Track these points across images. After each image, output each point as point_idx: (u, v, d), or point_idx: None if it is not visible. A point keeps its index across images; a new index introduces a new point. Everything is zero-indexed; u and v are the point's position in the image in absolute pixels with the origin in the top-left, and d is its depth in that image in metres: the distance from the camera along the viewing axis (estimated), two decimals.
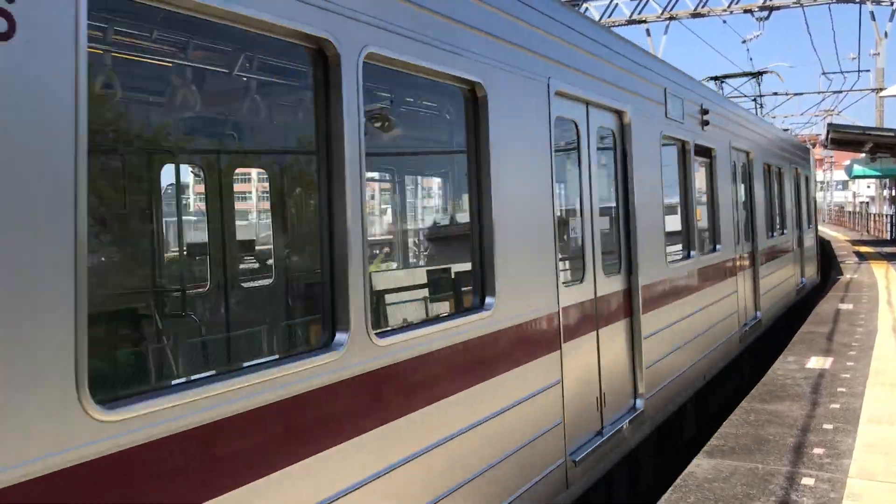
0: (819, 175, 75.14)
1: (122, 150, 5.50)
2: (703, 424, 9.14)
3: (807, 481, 5.43)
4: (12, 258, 2.18)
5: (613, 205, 6.95)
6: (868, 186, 70.94)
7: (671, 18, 23.54)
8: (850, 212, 73.87)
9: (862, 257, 27.10)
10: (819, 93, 45.49)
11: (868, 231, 51.45)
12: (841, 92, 44.28)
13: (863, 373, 8.78)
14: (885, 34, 21.55)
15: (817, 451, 6.10)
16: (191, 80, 5.16)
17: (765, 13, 23.03)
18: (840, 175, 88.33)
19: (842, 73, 43.21)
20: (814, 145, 77.13)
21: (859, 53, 35.62)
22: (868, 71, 47.80)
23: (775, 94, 45.15)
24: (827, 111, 58.10)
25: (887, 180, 46.83)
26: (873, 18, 21.96)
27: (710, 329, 9.46)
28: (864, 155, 33.38)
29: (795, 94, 45.76)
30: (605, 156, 6.83)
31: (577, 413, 5.71)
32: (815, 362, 9.54)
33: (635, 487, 7.04)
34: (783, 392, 8.08)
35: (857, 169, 35.18)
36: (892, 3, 21.13)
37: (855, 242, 37.96)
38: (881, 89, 42.61)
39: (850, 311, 13.83)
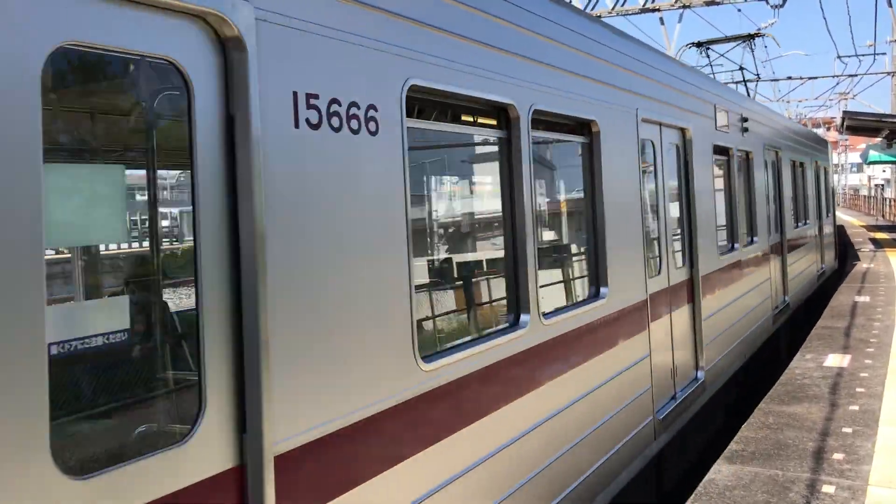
0: (834, 158, 74.44)
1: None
2: (747, 391, 10.81)
3: (827, 489, 5.49)
4: None
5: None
6: (884, 171, 70.34)
7: (685, 7, 23.37)
8: (865, 195, 73.28)
9: (878, 244, 26.96)
10: (834, 76, 45.06)
11: (883, 216, 51.09)
12: (856, 76, 43.87)
13: (881, 372, 8.80)
14: None
15: (837, 456, 6.15)
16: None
17: (780, 0, 22.81)
18: (855, 157, 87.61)
19: (857, 56, 42.65)
20: (828, 128, 76.78)
21: (875, 39, 35.24)
22: (884, 54, 47.38)
23: (790, 78, 44.78)
24: (842, 94, 57.66)
25: None
26: (890, 4, 21.72)
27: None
28: (879, 140, 33.11)
29: (810, 79, 45.32)
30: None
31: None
32: (833, 360, 9.57)
33: (697, 443, 8.52)
34: (801, 393, 8.12)
35: (873, 154, 34.90)
36: None
37: (870, 228, 37.73)
38: None
39: (866, 303, 13.81)
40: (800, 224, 16.04)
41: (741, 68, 18.42)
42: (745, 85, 19.06)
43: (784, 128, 15.31)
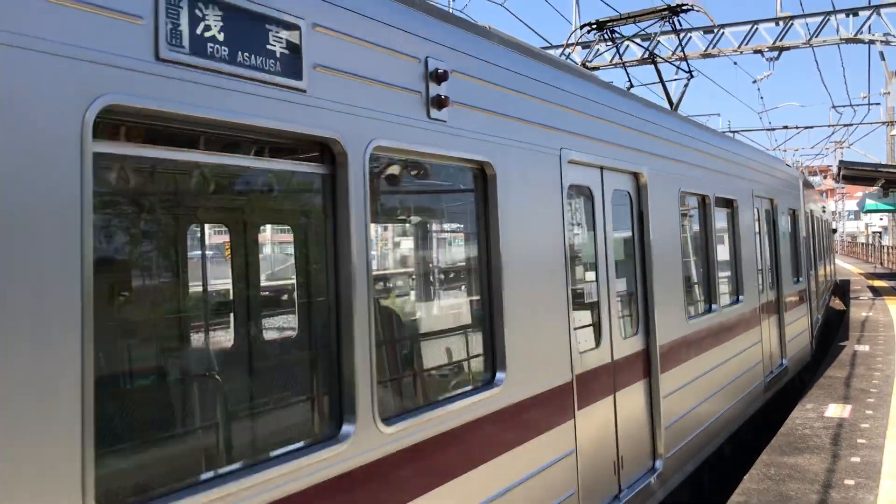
0: (831, 205, 74.90)
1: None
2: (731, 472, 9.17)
3: None
4: None
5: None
6: (881, 218, 70.73)
7: (682, 59, 23.83)
8: (863, 243, 73.59)
9: (876, 292, 27.05)
10: (829, 126, 45.70)
11: (882, 263, 51.25)
12: (851, 125, 44.50)
13: (882, 423, 8.84)
14: (895, 74, 21.71)
15: None
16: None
17: (775, 53, 23.29)
18: (852, 205, 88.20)
19: (851, 105, 43.34)
20: (825, 176, 77.36)
21: (869, 91, 35.84)
22: (878, 104, 48.09)
23: (786, 127, 45.43)
24: (838, 143, 58.32)
25: None
26: (883, 58, 22.18)
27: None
28: (876, 189, 33.43)
29: (806, 128, 45.95)
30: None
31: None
32: (834, 410, 9.60)
33: None
34: (803, 444, 8.16)
35: (870, 203, 35.21)
36: None
37: (869, 276, 37.84)
38: (892, 122, 42.80)
39: (866, 353, 13.86)
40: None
41: (651, 55, 11.21)
42: (661, 80, 11.82)
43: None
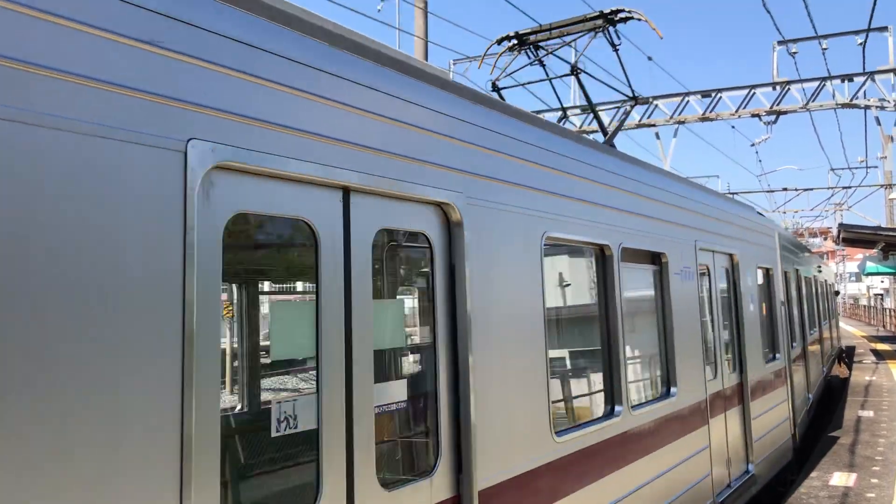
0: (832, 267, 74.99)
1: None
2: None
3: None
4: None
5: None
6: (882, 281, 70.66)
7: (680, 123, 24.11)
8: (865, 305, 73.36)
9: (879, 356, 26.81)
10: (828, 188, 46.01)
11: (884, 326, 50.97)
12: (850, 188, 44.79)
13: (888, 492, 8.63)
14: (892, 138, 21.93)
15: None
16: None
17: (772, 117, 23.56)
18: (853, 267, 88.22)
19: (850, 168, 43.66)
20: (825, 238, 77.57)
21: (867, 154, 36.15)
22: (876, 167, 48.50)
23: (785, 189, 45.70)
24: (837, 205, 58.67)
25: None
26: (878, 123, 22.41)
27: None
28: (876, 252, 33.45)
29: (805, 190, 46.27)
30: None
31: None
32: (839, 479, 9.39)
33: None
34: None
35: (871, 266, 35.19)
36: None
37: (872, 339, 37.58)
38: (890, 185, 43.06)
39: (870, 419, 13.65)
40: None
41: (573, 70, 9.74)
42: (588, 101, 9.58)
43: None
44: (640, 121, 24.53)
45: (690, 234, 8.16)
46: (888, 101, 21.76)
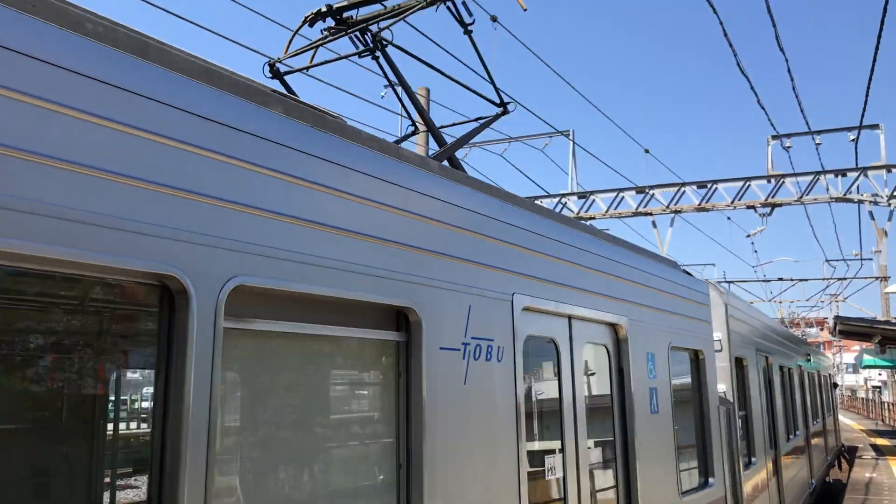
0: (829, 358, 74.40)
1: None
2: None
3: None
4: None
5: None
6: (879, 373, 70.24)
7: (676, 212, 24.36)
8: (863, 398, 72.71)
9: (879, 452, 26.39)
10: (824, 279, 46.22)
11: (883, 420, 50.37)
12: (845, 279, 44.99)
13: None
14: (885, 232, 22.18)
15: None
16: None
17: (767, 209, 23.84)
18: (850, 358, 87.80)
19: (844, 260, 43.99)
20: (822, 328, 77.38)
21: (861, 247, 36.46)
22: (871, 259, 48.83)
23: (780, 279, 45.91)
24: (833, 296, 58.79)
25: None
26: (872, 217, 22.68)
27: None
28: (873, 345, 33.32)
29: (800, 280, 46.47)
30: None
31: None
32: None
33: None
34: None
35: (867, 359, 35.01)
36: (889, 205, 21.88)
37: (871, 433, 37.07)
38: (885, 278, 43.27)
39: None
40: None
41: (376, 44, 5.94)
42: (402, 80, 6.11)
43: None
44: (636, 209, 24.79)
45: (505, 284, 4.87)
46: (881, 197, 22.06)
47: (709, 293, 9.15)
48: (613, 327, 6.44)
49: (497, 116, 6.76)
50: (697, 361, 8.42)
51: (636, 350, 6.63)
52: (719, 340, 10.23)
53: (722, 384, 9.97)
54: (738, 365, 10.76)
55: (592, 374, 6.13)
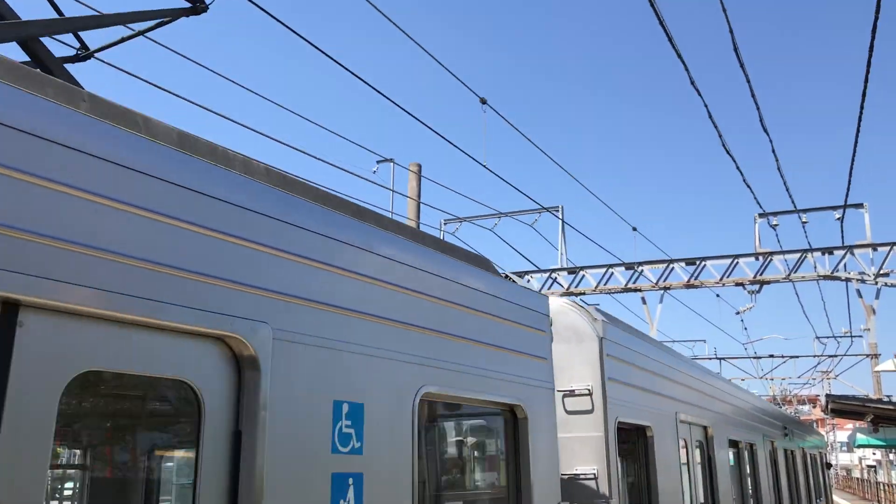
0: (823, 436, 73.52)
1: None
2: None
3: None
4: None
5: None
6: (874, 453, 69.45)
7: (665, 289, 24.43)
8: (858, 478, 71.70)
9: None
10: (814, 356, 46.09)
11: (879, 501, 49.56)
12: (836, 356, 44.89)
13: None
14: (874, 310, 22.28)
15: None
16: None
17: (756, 286, 23.94)
18: (843, 436, 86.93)
19: (835, 338, 43.96)
20: (814, 406, 76.68)
21: (850, 324, 36.52)
22: (860, 336, 48.84)
23: (771, 356, 45.74)
24: (824, 373, 58.53)
25: (894, 448, 45.97)
26: (860, 295, 22.79)
27: None
28: (866, 424, 33.04)
29: (791, 357, 46.34)
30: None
31: None
32: None
33: None
34: None
35: (861, 438, 34.65)
36: (876, 283, 22.03)
37: None
38: (875, 356, 43.22)
39: None
40: None
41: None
42: None
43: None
44: (626, 285, 24.86)
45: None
46: (868, 275, 22.22)
47: (548, 314, 5.69)
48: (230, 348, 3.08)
49: (186, 12, 5.36)
50: (514, 424, 5.17)
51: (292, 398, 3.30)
52: (587, 393, 6.77)
53: (594, 464, 6.66)
54: (641, 434, 7.61)
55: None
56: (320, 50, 9.15)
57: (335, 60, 9.43)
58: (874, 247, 22.40)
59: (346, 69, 9.95)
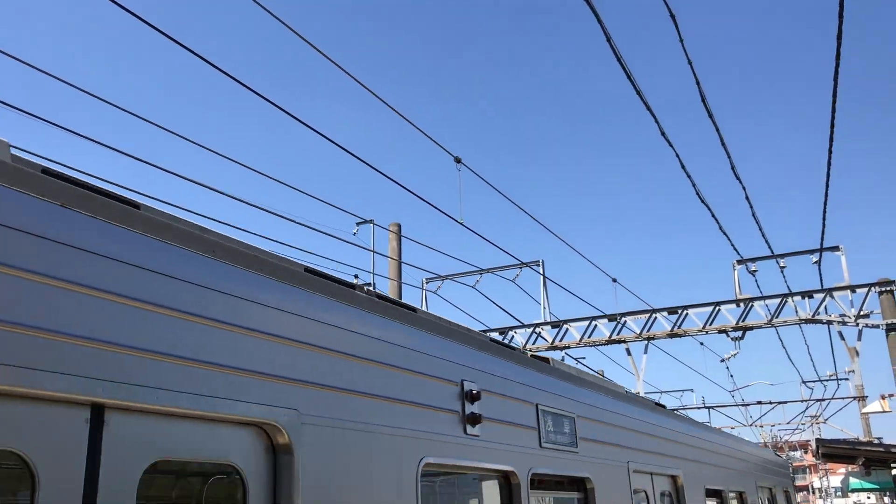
0: (815, 482, 72.91)
1: None
2: None
3: None
4: None
5: None
6: (868, 497, 68.89)
7: (649, 339, 24.45)
8: None
9: None
10: (802, 401, 45.99)
11: None
12: (823, 400, 44.84)
13: None
14: (857, 352, 22.39)
15: None
16: None
17: (739, 333, 24.01)
18: (836, 481, 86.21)
19: (821, 381, 44.00)
20: (805, 451, 76.24)
21: (835, 367, 36.61)
22: (846, 379, 48.90)
23: (759, 402, 45.61)
24: (813, 417, 58.34)
25: (888, 491, 45.66)
26: (842, 338, 22.89)
27: None
28: (858, 467, 32.85)
29: (779, 403, 46.20)
30: None
31: None
32: None
33: None
34: None
35: (854, 482, 34.40)
36: (857, 324, 22.17)
37: None
38: (863, 398, 43.26)
39: None
40: None
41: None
42: None
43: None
44: (609, 337, 24.85)
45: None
46: (849, 317, 22.37)
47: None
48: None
49: None
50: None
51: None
52: None
53: None
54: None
55: None
56: (298, 120, 9.26)
57: (314, 129, 9.54)
58: (852, 288, 22.61)
59: (325, 137, 10.06)
